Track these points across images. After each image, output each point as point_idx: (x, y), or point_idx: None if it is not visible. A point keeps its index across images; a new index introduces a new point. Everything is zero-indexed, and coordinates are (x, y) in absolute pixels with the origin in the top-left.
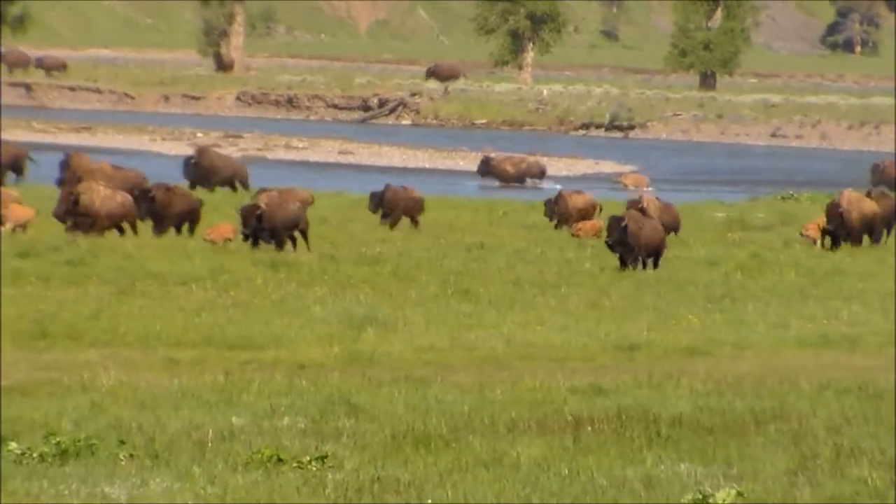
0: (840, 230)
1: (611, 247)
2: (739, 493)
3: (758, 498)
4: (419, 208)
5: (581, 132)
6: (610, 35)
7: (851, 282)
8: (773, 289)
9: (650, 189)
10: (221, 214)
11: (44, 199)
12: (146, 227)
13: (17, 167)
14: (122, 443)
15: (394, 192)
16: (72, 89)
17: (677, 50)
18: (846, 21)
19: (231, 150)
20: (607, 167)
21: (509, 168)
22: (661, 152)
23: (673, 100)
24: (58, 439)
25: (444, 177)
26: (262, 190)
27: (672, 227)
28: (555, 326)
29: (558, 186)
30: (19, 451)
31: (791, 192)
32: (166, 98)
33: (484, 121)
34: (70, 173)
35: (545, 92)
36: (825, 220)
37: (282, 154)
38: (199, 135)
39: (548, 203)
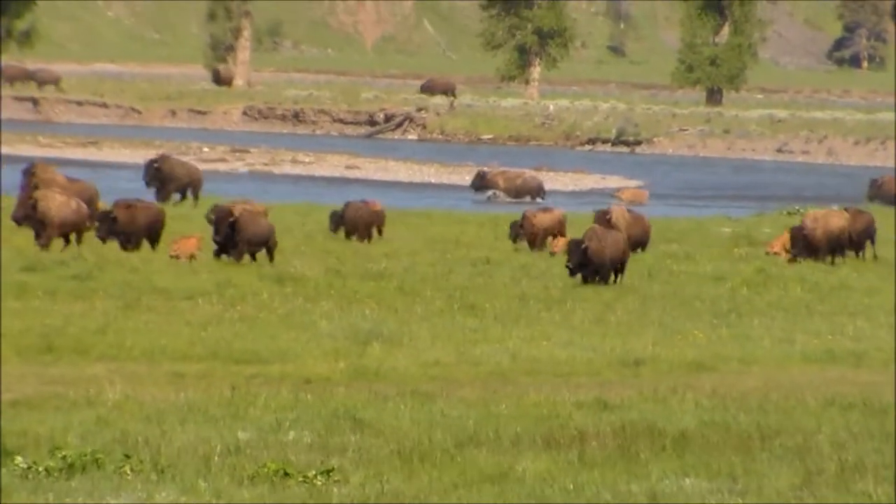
0: (805, 252)
1: (571, 271)
2: None
3: None
4: (381, 221)
5: (587, 147)
6: (617, 50)
7: (857, 297)
8: (778, 304)
9: (646, 203)
10: (186, 224)
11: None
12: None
13: None
14: (128, 457)
15: (354, 208)
16: (78, 104)
17: (684, 65)
18: (853, 36)
19: (237, 165)
20: (613, 182)
21: (502, 183)
22: (667, 167)
23: (679, 115)
24: (63, 453)
25: (449, 191)
26: (217, 205)
27: (640, 240)
28: (560, 341)
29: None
30: (25, 466)
31: (797, 208)
32: (173, 112)
33: (490, 136)
34: (31, 181)
35: (552, 107)
36: (789, 241)
37: (288, 169)
38: (206, 149)
39: (513, 225)
